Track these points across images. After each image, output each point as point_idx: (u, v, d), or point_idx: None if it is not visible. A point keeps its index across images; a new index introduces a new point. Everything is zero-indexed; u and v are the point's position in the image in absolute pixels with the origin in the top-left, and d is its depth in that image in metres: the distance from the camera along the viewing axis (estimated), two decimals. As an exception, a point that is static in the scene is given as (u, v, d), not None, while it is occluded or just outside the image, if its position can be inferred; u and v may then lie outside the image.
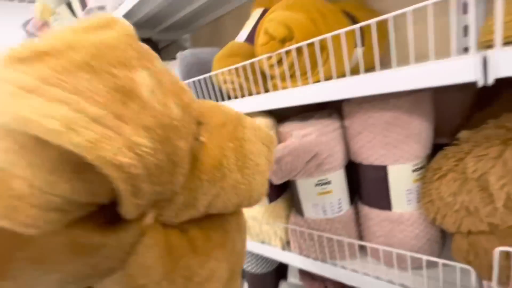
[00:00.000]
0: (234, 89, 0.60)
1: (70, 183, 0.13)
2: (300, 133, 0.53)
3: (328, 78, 0.45)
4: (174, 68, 0.82)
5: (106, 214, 0.17)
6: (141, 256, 0.19)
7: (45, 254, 0.14)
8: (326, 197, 0.56)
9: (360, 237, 0.59)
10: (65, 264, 0.15)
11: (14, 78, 0.12)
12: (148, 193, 0.16)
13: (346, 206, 0.57)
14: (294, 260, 0.64)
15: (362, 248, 0.58)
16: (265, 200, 0.66)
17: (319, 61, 0.44)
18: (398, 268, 0.50)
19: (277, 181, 0.54)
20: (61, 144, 0.12)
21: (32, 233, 0.13)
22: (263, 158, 0.25)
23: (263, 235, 0.68)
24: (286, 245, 0.66)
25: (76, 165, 0.13)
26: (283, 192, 0.69)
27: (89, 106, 0.13)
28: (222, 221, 0.25)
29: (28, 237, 0.13)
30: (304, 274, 0.72)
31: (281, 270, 0.93)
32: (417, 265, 0.48)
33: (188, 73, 0.69)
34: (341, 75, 0.45)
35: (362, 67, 0.41)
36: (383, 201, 0.51)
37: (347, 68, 0.42)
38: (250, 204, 0.25)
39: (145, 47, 0.19)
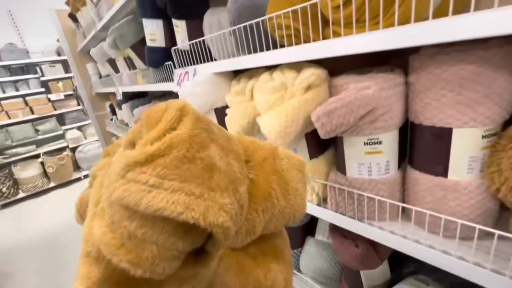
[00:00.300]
0: (288, 36, 0.56)
1: (184, 241, 0.20)
2: (357, 86, 0.49)
3: (402, 22, 0.40)
4: (223, 14, 0.79)
5: (193, 251, 0.23)
6: (222, 276, 0.25)
7: None
8: (374, 157, 0.53)
9: (403, 202, 0.57)
10: None
11: (142, 178, 0.18)
12: (232, 235, 0.21)
13: (393, 168, 0.55)
14: (329, 216, 0.65)
15: (404, 213, 0.57)
16: (306, 155, 0.66)
17: None
18: (443, 236, 0.48)
19: (325, 135, 0.53)
20: (184, 220, 0.18)
21: (160, 278, 0.19)
22: (300, 183, 0.29)
23: (300, 189, 0.69)
24: (321, 202, 0.67)
25: (185, 228, 0.19)
26: (324, 150, 0.67)
27: (194, 188, 0.19)
28: (272, 238, 0.31)
29: (155, 281, 0.20)
30: (335, 231, 0.73)
31: (309, 227, 0.96)
32: (464, 235, 0.46)
33: (239, 17, 0.66)
34: (418, 19, 0.39)
35: (451, 5, 0.35)
36: (439, 167, 0.48)
37: (430, 8, 0.36)
38: (294, 221, 0.30)
39: (204, 118, 0.23)
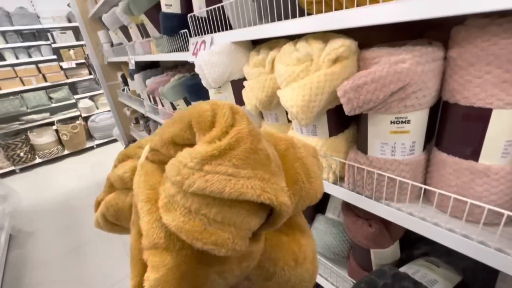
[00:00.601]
0: (318, 2, 0.52)
1: (255, 220, 0.23)
2: (390, 60, 0.46)
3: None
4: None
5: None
6: (268, 253, 0.29)
7: (225, 267, 0.24)
8: (400, 137, 0.51)
9: (424, 184, 0.55)
10: (235, 271, 0.25)
11: (221, 170, 0.21)
12: (290, 212, 0.25)
13: (418, 150, 0.53)
14: (344, 195, 0.64)
15: (424, 196, 0.55)
16: (325, 133, 0.64)
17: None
18: (467, 221, 0.47)
19: (350, 111, 0.51)
20: (262, 201, 0.21)
21: (237, 255, 0.24)
22: (316, 167, 0.33)
23: (316, 167, 0.68)
24: (338, 180, 0.66)
25: (255, 209, 0.23)
26: (345, 128, 0.65)
27: (263, 174, 0.22)
28: (295, 217, 0.35)
29: (223, 258, 0.23)
30: (348, 210, 0.73)
31: (319, 205, 0.97)
32: (488, 220, 0.45)
33: (264, -20, 0.61)
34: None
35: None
36: (470, 150, 0.45)
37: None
38: (315, 201, 0.32)
39: (247, 114, 0.26)
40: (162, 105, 1.64)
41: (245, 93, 0.79)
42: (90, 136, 4.36)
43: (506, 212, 0.41)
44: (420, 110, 0.48)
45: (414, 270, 0.64)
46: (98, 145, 4.30)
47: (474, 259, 0.60)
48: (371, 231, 0.67)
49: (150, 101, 1.86)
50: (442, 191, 0.47)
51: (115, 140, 3.98)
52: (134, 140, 2.91)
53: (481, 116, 0.42)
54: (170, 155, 0.28)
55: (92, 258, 1.99)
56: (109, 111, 3.82)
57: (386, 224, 0.70)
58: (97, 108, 4.31)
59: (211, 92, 0.94)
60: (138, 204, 0.26)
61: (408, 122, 0.50)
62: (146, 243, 0.23)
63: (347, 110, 0.50)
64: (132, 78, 2.00)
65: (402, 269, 0.65)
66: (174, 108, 1.47)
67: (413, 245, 0.75)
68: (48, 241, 2.28)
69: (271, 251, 0.29)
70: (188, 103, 1.27)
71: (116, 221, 0.34)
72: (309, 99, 0.52)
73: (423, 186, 0.50)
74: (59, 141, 3.95)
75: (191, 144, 0.24)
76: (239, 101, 0.86)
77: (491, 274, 0.58)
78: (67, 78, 3.96)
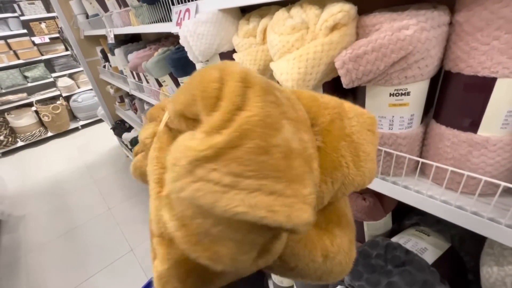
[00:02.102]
0: (314, -41, 0.47)
1: (263, 235, 0.18)
2: (393, 26, 0.42)
3: None
4: None
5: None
6: (291, 248, 0.24)
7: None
8: (399, 110, 0.49)
9: (420, 157, 0.55)
10: (249, 268, 0.21)
11: (214, 177, 0.15)
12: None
13: (416, 123, 0.52)
14: (339, 170, 0.64)
15: (419, 169, 0.55)
16: (321, 107, 0.61)
17: None
18: (461, 193, 0.47)
19: (348, 84, 0.48)
20: (266, 224, 0.15)
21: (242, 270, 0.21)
22: (371, 145, 0.26)
23: (311, 143, 0.66)
24: (333, 156, 0.65)
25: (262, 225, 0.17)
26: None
27: (275, 184, 0.16)
28: (335, 203, 0.28)
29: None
30: (342, 185, 0.74)
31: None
32: (482, 191, 0.45)
33: None
34: None
35: None
36: (470, 122, 0.44)
37: None
38: (363, 188, 0.27)
39: (270, 86, 0.19)
40: (147, 82, 1.56)
41: (235, 67, 0.74)
42: (73, 117, 4.19)
43: (503, 183, 0.41)
44: (420, 81, 0.46)
45: (405, 239, 0.66)
46: (84, 126, 4.15)
47: (462, 227, 0.62)
48: (366, 205, 0.68)
49: (134, 78, 1.76)
50: (440, 164, 0.47)
51: (101, 120, 3.84)
52: (121, 120, 2.81)
53: (485, 86, 0.40)
54: (182, 129, 0.23)
55: (87, 239, 2.00)
56: (91, 89, 3.64)
57: (379, 197, 0.71)
58: (78, 87, 4.10)
59: (199, 67, 0.88)
60: (150, 183, 0.23)
61: (408, 94, 0.47)
62: (153, 229, 0.21)
63: (345, 83, 0.48)
64: (113, 54, 1.87)
65: (394, 239, 0.67)
66: (160, 85, 1.40)
67: (405, 215, 0.77)
68: (40, 224, 2.26)
69: (294, 246, 0.24)
70: (174, 79, 1.20)
71: (146, 182, 0.31)
72: (305, 71, 0.49)
73: (420, 160, 0.49)
74: (41, 123, 3.78)
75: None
76: (229, 75, 0.81)
77: (478, 240, 0.61)
78: (42, 54, 3.68)
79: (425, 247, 0.63)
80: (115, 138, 2.98)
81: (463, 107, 0.44)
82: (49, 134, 3.84)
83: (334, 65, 0.48)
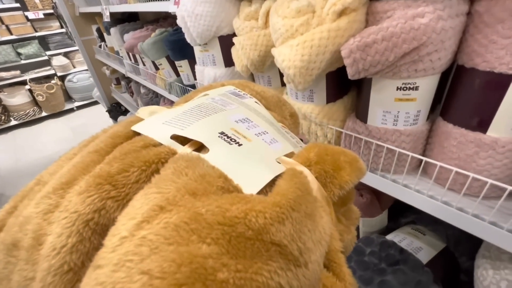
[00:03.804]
0: None
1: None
2: (407, 13, 0.39)
3: None
4: None
5: None
6: None
7: None
8: (405, 105, 0.47)
9: (423, 156, 0.53)
10: None
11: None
12: None
13: (422, 120, 0.49)
14: (338, 165, 0.62)
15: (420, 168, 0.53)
16: (322, 99, 0.58)
17: None
18: (463, 195, 0.45)
19: (354, 75, 0.45)
20: None
21: None
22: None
23: (311, 135, 0.64)
24: (332, 150, 0.63)
25: None
26: (344, 94, 0.60)
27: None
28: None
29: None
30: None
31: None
32: (485, 194, 0.44)
33: None
34: None
35: None
36: (480, 121, 0.42)
37: None
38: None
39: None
40: (144, 65, 1.50)
41: (234, 52, 0.70)
42: (69, 98, 4.10)
43: (509, 187, 0.39)
44: (431, 76, 0.43)
45: (400, 237, 0.65)
46: (79, 107, 4.08)
47: (458, 228, 0.61)
48: (363, 201, 0.66)
49: (130, 60, 1.70)
50: (444, 164, 0.45)
51: (97, 102, 3.76)
52: (117, 103, 2.75)
53: (500, 83, 0.37)
54: None
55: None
56: (87, 70, 3.54)
57: (377, 194, 0.70)
58: (74, 67, 3.99)
59: (196, 50, 0.84)
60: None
61: (416, 88, 0.45)
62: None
63: (351, 74, 0.45)
64: (109, 33, 1.80)
65: (389, 237, 0.66)
66: (157, 68, 1.35)
67: (401, 213, 0.76)
68: (33, 205, 2.24)
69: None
70: (171, 62, 1.15)
71: None
72: (309, 59, 0.46)
73: (424, 159, 0.47)
74: (35, 102, 3.70)
75: None
76: (228, 61, 0.77)
77: (474, 241, 0.60)
78: (36, 31, 3.56)
79: (420, 246, 0.62)
80: (111, 121, 2.93)
81: (474, 105, 0.42)
82: (43, 114, 3.76)
83: (340, 54, 0.45)
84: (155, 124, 0.22)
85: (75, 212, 0.15)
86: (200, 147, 0.20)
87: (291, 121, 0.33)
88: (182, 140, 0.20)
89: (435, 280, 0.55)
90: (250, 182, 0.18)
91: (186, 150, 0.19)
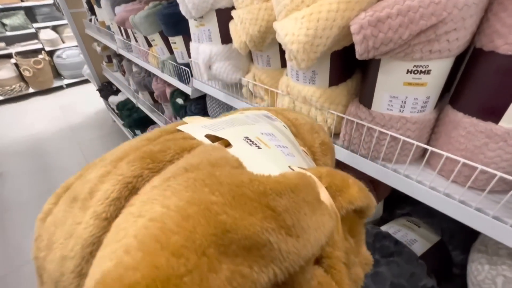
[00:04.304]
0: None
1: None
2: (427, -15, 0.35)
3: None
4: None
5: None
6: None
7: None
8: (414, 90, 0.43)
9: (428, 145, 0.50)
10: None
11: None
12: None
13: (430, 107, 0.46)
14: (336, 153, 0.59)
15: (422, 157, 0.51)
16: (325, 82, 0.55)
17: None
18: (465, 187, 0.43)
19: (363, 54, 0.41)
20: None
21: None
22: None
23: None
24: (332, 136, 0.60)
25: None
26: (348, 76, 0.56)
27: None
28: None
29: None
30: (338, 168, 0.70)
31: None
32: (490, 188, 0.42)
33: None
34: None
35: None
36: (493, 110, 0.39)
37: None
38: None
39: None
40: (136, 41, 1.42)
41: (232, 26, 0.65)
42: (58, 75, 3.94)
43: (519, 181, 0.37)
44: (445, 59, 0.40)
45: (395, 229, 0.64)
46: (69, 85, 3.94)
47: (453, 221, 0.60)
48: (359, 191, 0.64)
49: (122, 36, 1.61)
50: (451, 154, 0.42)
51: (87, 81, 3.63)
52: (109, 82, 2.65)
53: (521, 69, 0.34)
54: None
55: (68, 201, 1.95)
56: (77, 46, 3.39)
57: (374, 184, 0.68)
58: (63, 42, 3.81)
59: (192, 24, 0.78)
60: None
61: (428, 72, 0.41)
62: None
63: (360, 52, 0.41)
64: (99, 5, 1.69)
65: (384, 228, 0.65)
66: (149, 45, 1.27)
67: (396, 205, 0.75)
68: (18, 183, 2.18)
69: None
70: (165, 38, 1.09)
71: None
72: (315, 34, 0.41)
73: (430, 148, 0.45)
74: (21, 77, 3.55)
75: None
76: (225, 36, 0.72)
77: (468, 235, 0.59)
78: (22, 0, 3.35)
79: (414, 239, 0.61)
80: (102, 100, 2.83)
81: (489, 92, 0.39)
82: (31, 90, 3.62)
83: (349, 30, 0.41)
84: (195, 126, 0.27)
85: (120, 175, 0.19)
86: (226, 146, 0.24)
87: (320, 149, 0.34)
88: (214, 140, 0.24)
89: (428, 273, 0.54)
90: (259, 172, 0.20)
91: (220, 146, 0.23)
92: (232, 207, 0.14)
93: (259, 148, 0.24)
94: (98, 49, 2.37)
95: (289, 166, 0.24)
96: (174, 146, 0.22)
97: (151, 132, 0.27)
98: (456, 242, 0.63)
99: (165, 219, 0.13)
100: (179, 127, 0.27)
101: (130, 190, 0.19)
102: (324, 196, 0.21)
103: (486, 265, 0.49)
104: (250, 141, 0.24)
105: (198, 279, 0.11)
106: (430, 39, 0.37)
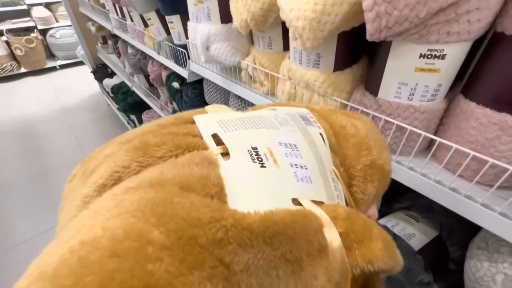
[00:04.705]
0: None
1: None
2: (451, -44, 0.31)
3: None
4: None
5: None
6: None
7: None
8: (426, 76, 0.41)
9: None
10: None
11: None
12: None
13: (441, 96, 0.43)
14: (338, 142, 0.56)
15: (428, 149, 0.49)
16: (330, 66, 0.51)
17: None
18: (472, 181, 0.41)
19: (374, 34, 0.38)
20: None
21: None
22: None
23: (311, 107, 0.57)
24: (333, 125, 0.57)
25: None
26: (354, 61, 0.53)
27: None
28: None
29: None
30: (337, 159, 0.67)
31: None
32: (500, 183, 0.40)
33: None
34: None
35: None
36: (509, 100, 0.37)
37: None
38: None
39: None
40: (131, 20, 1.36)
41: (233, 4, 0.61)
42: (51, 55, 3.82)
43: (533, 177, 0.35)
44: (463, 42, 0.37)
45: (393, 223, 0.63)
46: (62, 66, 3.82)
47: (453, 216, 0.58)
48: (359, 183, 0.62)
49: (117, 15, 1.54)
50: (461, 147, 0.40)
51: (82, 62, 3.52)
52: (103, 64, 2.57)
53: (546, 55, 0.32)
54: None
55: (59, 186, 1.91)
56: (71, 26, 3.27)
57: (374, 177, 0.66)
58: (57, 21, 3.68)
59: (190, 2, 0.73)
60: None
61: (442, 57, 0.38)
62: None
63: (371, 31, 0.37)
64: (93, -19, 1.61)
65: (382, 221, 0.64)
66: (146, 25, 1.22)
67: (394, 198, 0.73)
68: (8, 165, 2.13)
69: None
70: (161, 18, 1.03)
71: None
72: (323, 10, 0.38)
73: (438, 139, 0.42)
74: (13, 56, 3.43)
75: None
76: (225, 15, 0.68)
77: (467, 231, 0.58)
78: (13, -26, 3.20)
79: (413, 233, 0.60)
80: (96, 83, 2.75)
81: (507, 81, 0.36)
82: (23, 70, 3.50)
83: (360, 7, 0.37)
84: (210, 120, 0.23)
85: (113, 162, 0.18)
86: (226, 154, 0.20)
87: (363, 172, 0.25)
88: (221, 142, 0.21)
89: (425, 268, 0.52)
90: (241, 204, 0.16)
91: (216, 150, 0.20)
92: (172, 254, 0.11)
93: (262, 166, 0.19)
94: (93, 29, 2.27)
95: (293, 199, 0.19)
96: (170, 143, 0.20)
97: (166, 118, 0.25)
98: (455, 238, 0.61)
99: (92, 249, 0.11)
100: (195, 117, 0.24)
101: (116, 180, 0.18)
102: (334, 244, 0.17)
103: (485, 262, 0.47)
104: (257, 154, 0.20)
105: None
106: (450, 19, 0.34)
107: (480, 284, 0.47)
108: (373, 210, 0.28)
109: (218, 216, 0.13)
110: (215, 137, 0.21)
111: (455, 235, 0.61)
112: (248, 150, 0.20)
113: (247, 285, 0.12)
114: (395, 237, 0.56)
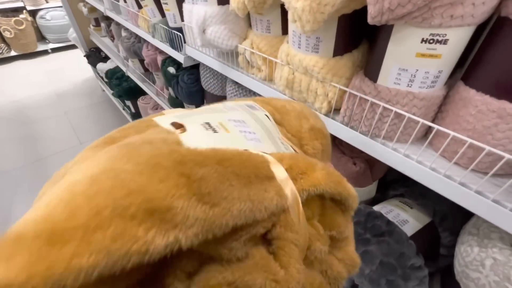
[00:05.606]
0: None
1: None
2: None
3: None
4: None
5: None
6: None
7: None
8: (427, 62, 0.40)
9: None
10: None
11: None
12: None
13: (441, 82, 0.43)
14: (336, 128, 0.56)
15: (425, 137, 0.49)
16: (329, 50, 0.50)
17: None
18: (467, 168, 0.41)
19: (375, 17, 0.37)
20: None
21: None
22: None
23: (309, 94, 0.56)
24: (332, 111, 0.56)
25: None
26: (354, 47, 0.52)
27: None
28: None
29: None
30: (334, 146, 0.67)
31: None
32: (495, 171, 0.40)
33: None
34: None
35: None
36: (509, 87, 0.36)
37: None
38: None
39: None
40: (125, 1, 1.31)
41: (230, -16, 0.58)
42: (42, 38, 3.70)
43: (528, 164, 0.35)
44: (466, 27, 0.36)
45: (387, 209, 0.64)
46: (54, 50, 3.72)
47: (446, 203, 0.59)
48: (355, 170, 0.62)
49: (110, -5, 1.48)
50: (459, 134, 0.40)
51: (74, 46, 3.42)
52: (97, 48, 2.50)
53: (550, 41, 0.31)
54: None
55: (56, 170, 1.91)
56: (61, 6, 3.14)
57: (370, 164, 0.66)
58: (47, 1, 3.53)
59: (185, -19, 0.70)
60: None
61: (445, 42, 0.37)
62: None
63: (373, 14, 0.36)
64: (84, -42, 1.53)
65: (377, 208, 0.64)
66: (140, 6, 1.17)
67: (389, 185, 0.74)
68: (5, 151, 2.11)
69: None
70: (156, 0, 0.99)
71: None
72: (323, -10, 0.36)
73: (436, 127, 0.42)
74: (2, 38, 3.31)
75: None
76: (222, -4, 0.65)
77: (460, 218, 0.59)
78: (-2, -50, 3.04)
79: (406, 219, 0.61)
80: (89, 67, 2.69)
81: (509, 67, 0.36)
82: (13, 53, 3.40)
83: (362, -12, 0.36)
84: (169, 117, 0.26)
85: (89, 147, 0.22)
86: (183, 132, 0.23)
87: (308, 133, 0.32)
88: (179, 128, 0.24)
89: (417, 253, 0.54)
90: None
91: (174, 130, 0.23)
92: (141, 174, 0.14)
93: (215, 132, 0.23)
94: (85, 10, 2.19)
95: (244, 150, 0.22)
96: (132, 131, 0.23)
97: (129, 124, 0.28)
98: (447, 224, 0.63)
99: (76, 186, 0.14)
100: (154, 118, 0.27)
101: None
102: (281, 176, 0.20)
103: (476, 247, 0.48)
104: (209, 126, 0.24)
105: (81, 234, 0.12)
106: (454, 1, 0.33)
107: (469, 268, 0.48)
108: (328, 164, 0.33)
109: (175, 148, 0.17)
110: (173, 125, 0.24)
111: (447, 222, 0.62)
112: (201, 124, 0.24)
113: (205, 187, 0.15)
114: (389, 223, 0.57)
